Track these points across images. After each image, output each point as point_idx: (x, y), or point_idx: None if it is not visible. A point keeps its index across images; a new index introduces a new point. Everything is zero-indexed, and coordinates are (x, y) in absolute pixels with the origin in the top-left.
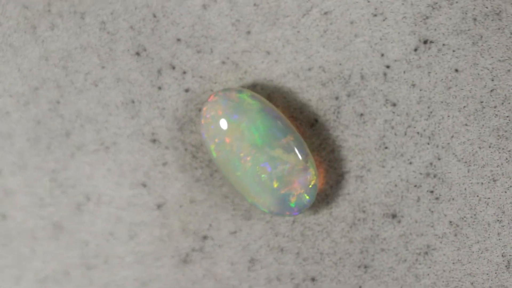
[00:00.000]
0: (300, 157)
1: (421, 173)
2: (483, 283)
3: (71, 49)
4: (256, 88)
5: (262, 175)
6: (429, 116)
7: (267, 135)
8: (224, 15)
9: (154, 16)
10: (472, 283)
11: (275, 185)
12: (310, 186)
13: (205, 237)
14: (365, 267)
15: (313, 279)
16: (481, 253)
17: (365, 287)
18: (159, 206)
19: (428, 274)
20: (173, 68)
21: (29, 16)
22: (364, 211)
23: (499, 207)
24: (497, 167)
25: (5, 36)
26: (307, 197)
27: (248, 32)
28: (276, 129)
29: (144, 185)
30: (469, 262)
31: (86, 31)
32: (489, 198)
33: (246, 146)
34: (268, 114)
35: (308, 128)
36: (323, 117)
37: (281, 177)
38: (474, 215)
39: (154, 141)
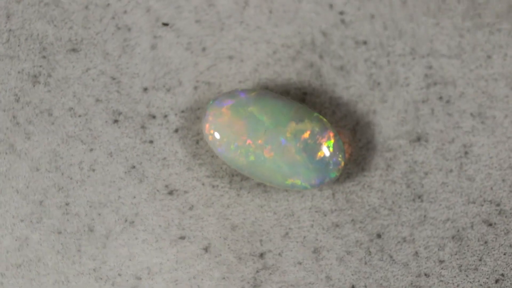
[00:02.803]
0: (313, 120)
1: (422, 88)
2: None
3: (54, 148)
4: None
5: (289, 154)
6: (400, 35)
7: (275, 115)
8: (175, 44)
9: (113, 78)
10: None
11: (306, 156)
12: (334, 141)
13: (262, 254)
14: (419, 197)
15: (379, 235)
16: None
17: (430, 214)
18: (206, 249)
19: (479, 169)
20: (154, 117)
21: (2, 138)
22: (391, 149)
23: (507, 77)
24: (485, 43)
25: None
26: (340, 155)
27: (204, 49)
28: (281, 106)
29: (183, 237)
30: (509, 138)
31: (60, 124)
32: (493, 73)
33: (261, 134)
34: (266, 95)
35: (302, 103)
36: (310, 87)
37: (306, 147)
38: (489, 95)
39: (171, 192)
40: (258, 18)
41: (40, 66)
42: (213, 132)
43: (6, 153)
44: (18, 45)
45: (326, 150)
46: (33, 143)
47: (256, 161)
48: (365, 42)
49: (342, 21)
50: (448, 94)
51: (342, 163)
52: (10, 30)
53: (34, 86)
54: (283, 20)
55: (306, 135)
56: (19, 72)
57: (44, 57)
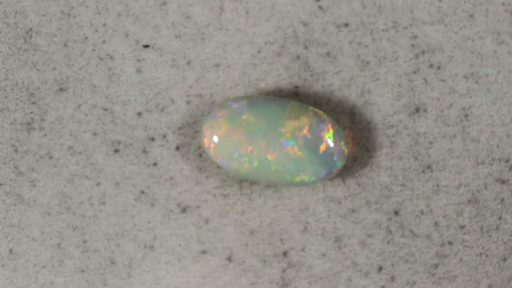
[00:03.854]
0: (308, 115)
1: (411, 59)
2: None
3: (61, 189)
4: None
5: (292, 153)
6: (380, 10)
7: (270, 117)
8: (159, 63)
9: (105, 109)
10: None
11: (309, 152)
12: (334, 131)
13: (285, 252)
14: (428, 167)
15: (396, 213)
16: (508, 78)
17: (442, 182)
18: (229, 258)
19: (482, 129)
20: (153, 139)
21: (8, 190)
22: (392, 125)
23: (491, 33)
24: (465, 3)
25: (2, 220)
26: (342, 143)
27: (189, 62)
28: (275, 108)
29: (204, 252)
30: (505, 93)
31: (62, 165)
32: (478, 32)
33: (260, 139)
34: (258, 100)
35: (295, 97)
36: (301, 80)
37: (307, 142)
38: (478, 54)
39: (184, 209)
40: (236, 21)
41: (31, 112)
42: (213, 146)
43: (15, 204)
44: (5, 97)
45: (327, 142)
46: (39, 189)
47: (261, 166)
48: (346, 24)
49: (320, 7)
50: (438, 60)
51: (346, 151)
52: None
53: (29, 133)
54: (261, 18)
55: (305, 131)
56: (12, 123)
57: (33, 103)
